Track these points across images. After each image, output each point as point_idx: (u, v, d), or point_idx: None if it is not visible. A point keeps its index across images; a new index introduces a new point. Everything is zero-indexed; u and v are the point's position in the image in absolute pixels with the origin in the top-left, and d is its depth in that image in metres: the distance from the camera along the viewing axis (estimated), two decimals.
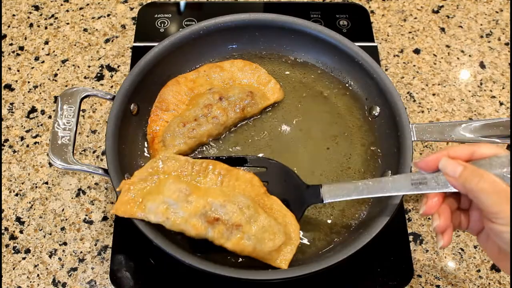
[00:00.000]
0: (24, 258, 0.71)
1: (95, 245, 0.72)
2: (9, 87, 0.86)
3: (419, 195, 0.76)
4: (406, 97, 0.87)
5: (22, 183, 0.77)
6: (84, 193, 0.76)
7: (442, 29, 0.96)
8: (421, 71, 0.90)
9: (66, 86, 0.86)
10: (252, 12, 0.78)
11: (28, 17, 0.95)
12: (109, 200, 0.75)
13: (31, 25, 0.94)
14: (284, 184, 0.65)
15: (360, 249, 0.58)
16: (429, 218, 0.75)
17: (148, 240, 0.58)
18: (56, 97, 0.85)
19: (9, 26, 0.94)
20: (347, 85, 0.79)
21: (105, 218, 0.74)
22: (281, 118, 0.77)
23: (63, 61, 0.89)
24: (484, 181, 0.47)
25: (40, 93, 0.85)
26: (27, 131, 0.81)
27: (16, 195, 0.76)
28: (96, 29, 0.94)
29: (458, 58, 0.92)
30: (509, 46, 0.94)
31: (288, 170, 0.66)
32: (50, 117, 0.83)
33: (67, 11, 0.96)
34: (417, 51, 0.93)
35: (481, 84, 0.89)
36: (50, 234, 0.72)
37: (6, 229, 0.73)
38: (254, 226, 0.58)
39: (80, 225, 0.73)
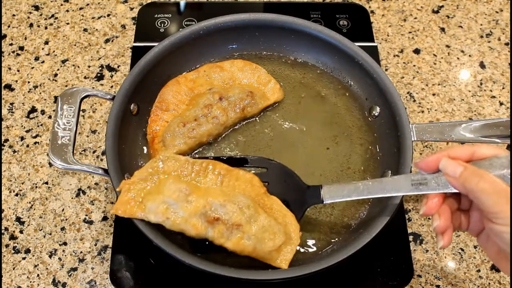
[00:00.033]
0: (24, 258, 0.71)
1: (95, 245, 0.72)
2: (9, 87, 0.86)
3: (419, 195, 0.76)
4: (406, 97, 0.87)
5: (22, 183, 0.77)
6: (84, 193, 0.76)
7: (442, 29, 0.96)
8: (421, 71, 0.90)
9: (66, 86, 0.86)
10: (252, 12, 0.78)
11: (28, 17, 0.95)
12: (109, 200, 0.75)
13: (31, 25, 0.94)
14: (285, 185, 0.65)
15: (360, 249, 0.58)
16: (429, 218, 0.75)
17: (148, 240, 0.58)
18: (56, 97, 0.85)
19: (9, 26, 0.94)
20: (347, 85, 0.79)
21: (105, 218, 0.74)
22: (281, 118, 0.77)
23: (63, 61, 0.89)
24: (484, 181, 0.47)
25: (40, 93, 0.85)
26: (27, 131, 0.81)
27: (16, 195, 0.76)
28: (96, 29, 0.94)
29: (458, 58, 0.92)
30: (509, 46, 0.94)
31: (288, 170, 0.66)
32: (50, 117, 0.83)
33: (67, 11, 0.96)
34: (417, 51, 0.93)
35: (481, 84, 0.89)
36: (50, 234, 0.72)
37: (6, 229, 0.73)
38: (254, 226, 0.58)
39: (80, 225, 0.73)
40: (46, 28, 0.94)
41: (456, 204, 0.54)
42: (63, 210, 0.74)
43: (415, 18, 0.98)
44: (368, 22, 0.95)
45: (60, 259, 0.71)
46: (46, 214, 0.74)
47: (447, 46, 0.94)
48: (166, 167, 0.62)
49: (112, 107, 0.68)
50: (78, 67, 0.89)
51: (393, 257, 0.70)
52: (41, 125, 0.82)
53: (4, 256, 0.71)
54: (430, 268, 0.71)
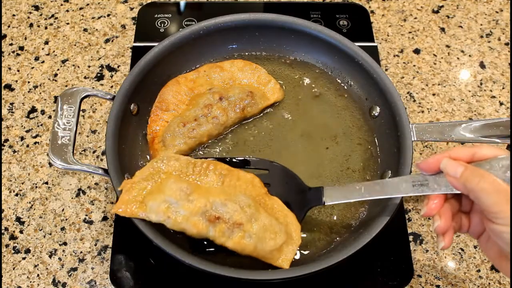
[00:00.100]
0: (24, 258, 0.71)
1: (95, 245, 0.72)
2: (9, 87, 0.86)
3: (420, 196, 0.76)
4: (406, 97, 0.87)
5: (22, 183, 0.77)
6: (84, 193, 0.76)
7: (442, 29, 0.96)
8: (421, 71, 0.90)
9: (66, 86, 0.86)
10: (252, 12, 0.78)
11: (28, 17, 0.95)
12: (109, 200, 0.75)
13: (31, 25, 0.94)
14: (286, 186, 0.65)
15: (360, 249, 0.58)
16: (429, 219, 0.75)
17: (148, 240, 0.58)
18: (56, 97, 0.85)
19: (9, 26, 0.94)
20: (347, 85, 0.79)
21: (105, 218, 0.74)
22: (281, 118, 0.77)
23: (63, 61, 0.89)
24: (485, 181, 0.47)
25: (40, 93, 0.85)
26: (27, 131, 0.81)
27: (16, 195, 0.76)
28: (96, 29, 0.94)
29: (458, 58, 0.92)
30: (509, 46, 0.94)
31: (290, 172, 0.66)
32: (50, 117, 0.83)
33: (67, 11, 0.96)
34: (417, 51, 0.93)
35: (481, 84, 0.89)
36: (50, 234, 0.72)
37: (6, 229, 0.73)
38: (255, 225, 0.58)
39: (80, 225, 0.73)
40: (46, 28, 0.94)
41: (457, 206, 0.54)
42: (63, 210, 0.74)
43: (415, 18, 0.98)
44: (368, 22, 0.95)
45: (60, 259, 0.71)
46: (46, 214, 0.74)
47: (447, 46, 0.94)
48: (167, 167, 0.62)
49: (112, 107, 0.68)
50: (78, 67, 0.89)
51: (393, 257, 0.70)
52: (41, 125, 0.82)
53: (4, 256, 0.71)
54: (430, 268, 0.71)
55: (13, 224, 0.73)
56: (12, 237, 0.72)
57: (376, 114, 0.75)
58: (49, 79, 0.87)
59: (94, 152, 0.80)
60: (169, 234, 0.61)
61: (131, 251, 0.70)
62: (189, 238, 0.60)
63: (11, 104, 0.84)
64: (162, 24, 0.93)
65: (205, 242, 0.60)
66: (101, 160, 0.79)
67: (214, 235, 0.58)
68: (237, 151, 0.73)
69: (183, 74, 0.78)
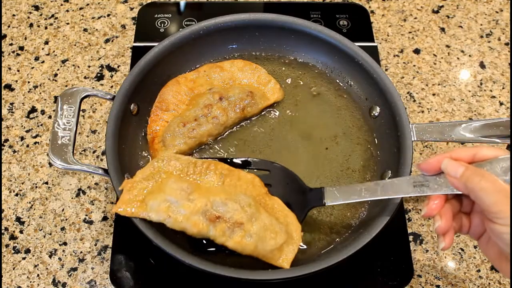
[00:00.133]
0: (24, 258, 0.71)
1: (95, 245, 0.72)
2: (9, 87, 0.86)
3: (420, 196, 0.76)
4: (406, 97, 0.87)
5: (22, 183, 0.77)
6: (84, 193, 0.76)
7: (442, 29, 0.96)
8: (421, 71, 0.90)
9: (66, 86, 0.86)
10: (252, 12, 0.78)
11: (28, 17, 0.95)
12: (109, 200, 0.75)
13: (31, 25, 0.94)
14: (287, 187, 0.65)
15: (360, 249, 0.58)
16: (429, 219, 0.75)
17: (148, 240, 0.58)
18: (56, 97, 0.85)
19: (9, 26, 0.94)
20: (347, 85, 0.79)
21: (105, 218, 0.74)
22: (281, 118, 0.77)
23: (63, 61, 0.89)
24: (486, 180, 0.47)
25: (40, 93, 0.85)
26: (27, 131, 0.81)
27: (16, 195, 0.76)
28: (96, 29, 0.94)
29: (458, 58, 0.92)
30: (509, 46, 0.94)
31: (291, 173, 0.66)
32: (50, 117, 0.83)
33: (67, 11, 0.96)
34: (417, 51, 0.93)
35: (481, 84, 0.89)
36: (50, 234, 0.72)
37: (6, 229, 0.73)
38: (256, 224, 0.58)
39: (80, 225, 0.73)
40: (46, 28, 0.94)
41: (458, 206, 0.55)
42: (63, 210, 0.74)
43: (415, 18, 0.98)
44: (368, 22, 0.95)
45: (60, 259, 0.71)
46: (46, 214, 0.74)
47: (447, 46, 0.94)
48: (168, 166, 0.62)
49: (112, 107, 0.68)
50: (78, 67, 0.89)
51: (393, 257, 0.70)
52: (41, 125, 0.82)
53: (4, 256, 0.71)
54: (430, 268, 0.71)
55: (13, 224, 0.73)
56: (12, 237, 0.72)
57: (376, 114, 0.75)
58: (49, 79, 0.87)
59: (94, 152, 0.80)
60: (169, 234, 0.61)
61: (131, 251, 0.70)
62: (189, 238, 0.60)
63: (11, 104, 0.84)
64: (162, 24, 0.93)
65: (204, 241, 0.60)
66: (101, 160, 0.79)
67: (215, 234, 0.58)
68: (237, 151, 0.73)
69: (183, 74, 0.78)
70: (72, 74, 0.88)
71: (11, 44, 0.91)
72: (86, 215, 0.74)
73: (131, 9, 0.97)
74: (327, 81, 0.80)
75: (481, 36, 0.95)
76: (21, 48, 0.91)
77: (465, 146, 0.82)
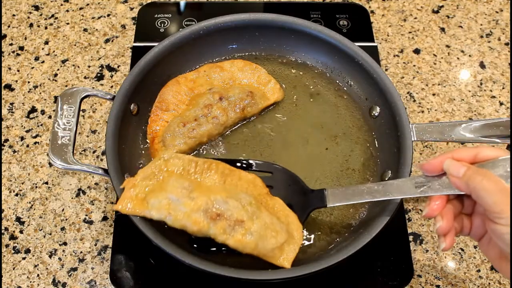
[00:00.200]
0: (24, 258, 0.71)
1: (95, 245, 0.72)
2: (9, 87, 0.86)
3: (419, 196, 0.76)
4: (406, 97, 0.87)
5: (22, 183, 0.77)
6: (84, 193, 0.76)
7: (442, 29, 0.96)
8: (421, 71, 0.90)
9: (66, 86, 0.86)
10: (252, 12, 0.78)
11: (28, 17, 0.95)
12: (109, 200, 0.75)
13: (31, 25, 0.94)
14: (289, 189, 0.65)
15: (360, 249, 0.58)
16: (428, 219, 0.75)
17: (148, 240, 0.58)
18: (56, 97, 0.85)
19: (9, 26, 0.94)
20: (347, 85, 0.79)
21: (105, 218, 0.74)
22: (281, 118, 0.77)
23: (63, 61, 0.89)
24: (488, 179, 0.47)
25: (40, 93, 0.85)
26: (27, 131, 0.81)
27: (16, 195, 0.76)
28: (96, 29, 0.94)
29: (458, 58, 0.92)
30: (509, 46, 0.94)
31: (292, 175, 0.66)
32: (50, 117, 0.83)
33: (67, 11, 0.96)
34: (417, 51, 0.93)
35: (481, 84, 0.89)
36: (50, 234, 0.72)
37: (6, 229, 0.73)
38: (257, 222, 0.58)
39: (80, 225, 0.73)
40: (46, 28, 0.94)
41: (459, 207, 0.55)
42: (63, 210, 0.74)
43: (415, 18, 0.98)
44: (368, 22, 0.95)
45: (60, 259, 0.71)
46: (46, 214, 0.74)
47: (447, 46, 0.94)
48: (170, 165, 0.62)
49: (112, 107, 0.68)
50: (78, 67, 0.89)
51: (393, 257, 0.70)
52: (41, 125, 0.82)
53: (4, 256, 0.71)
54: (430, 268, 0.71)
55: (13, 224, 0.73)
56: (12, 237, 0.72)
57: (376, 114, 0.75)
58: (49, 79, 0.87)
59: (94, 152, 0.80)
60: (169, 234, 0.61)
61: (131, 251, 0.70)
62: (189, 238, 0.60)
63: (11, 104, 0.84)
64: (162, 24, 0.93)
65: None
66: (101, 160, 0.79)
67: (215, 232, 0.58)
68: (237, 151, 0.73)
69: (183, 74, 0.78)
70: (72, 74, 0.88)
71: (11, 44, 0.91)
72: (86, 215, 0.74)
73: (131, 9, 0.97)
74: (327, 81, 0.80)
75: (481, 36, 0.95)
76: (21, 48, 0.91)
77: (465, 146, 0.82)
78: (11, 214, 0.74)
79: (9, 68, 0.88)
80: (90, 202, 0.75)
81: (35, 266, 0.70)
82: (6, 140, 0.80)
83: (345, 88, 0.79)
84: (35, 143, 0.80)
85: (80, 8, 0.96)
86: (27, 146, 0.80)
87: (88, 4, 0.97)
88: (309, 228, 0.67)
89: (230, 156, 0.73)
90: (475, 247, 0.73)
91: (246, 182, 0.63)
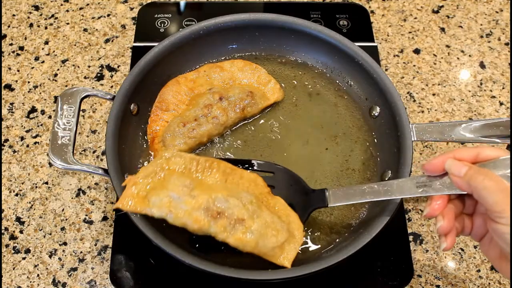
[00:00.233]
0: (24, 258, 0.71)
1: (95, 245, 0.72)
2: (9, 87, 0.86)
3: (419, 196, 0.76)
4: (406, 97, 0.87)
5: (22, 183, 0.77)
6: (84, 193, 0.76)
7: (442, 29, 0.96)
8: (421, 71, 0.90)
9: (66, 86, 0.86)
10: (252, 12, 0.78)
11: (28, 17, 0.95)
12: (109, 200, 0.75)
13: (31, 25, 0.94)
14: (290, 189, 0.65)
15: (360, 249, 0.58)
16: (429, 219, 0.75)
17: (148, 240, 0.58)
18: (56, 97, 0.85)
19: (9, 26, 0.94)
20: (347, 85, 0.79)
21: (105, 218, 0.74)
22: (281, 118, 0.77)
23: (63, 61, 0.89)
24: (489, 179, 0.47)
25: (40, 93, 0.85)
26: (27, 131, 0.81)
27: (16, 195, 0.76)
28: (96, 29, 0.94)
29: (458, 58, 0.92)
30: (509, 46, 0.94)
31: (294, 175, 0.66)
32: (50, 117, 0.83)
33: (67, 11, 0.96)
34: (417, 51, 0.93)
35: (481, 84, 0.89)
36: (50, 234, 0.72)
37: (6, 229, 0.73)
38: (257, 221, 0.58)
39: (80, 225, 0.73)
40: (46, 28, 0.94)
41: (461, 207, 0.55)
42: (63, 210, 0.74)
43: (415, 18, 0.98)
44: (368, 22, 0.95)
45: (60, 259, 0.71)
46: (46, 214, 0.74)
47: (447, 46, 0.94)
48: (171, 164, 0.62)
49: (112, 107, 0.68)
50: (78, 67, 0.89)
51: (393, 257, 0.70)
52: (41, 125, 0.82)
53: (4, 256, 0.71)
54: (430, 268, 0.71)
55: (13, 224, 0.73)
56: (12, 237, 0.72)
57: (376, 114, 0.75)
58: (49, 79, 0.87)
59: (94, 152, 0.80)
60: (169, 234, 0.61)
61: (131, 251, 0.70)
62: (189, 238, 0.60)
63: (11, 104, 0.84)
64: (162, 24, 0.93)
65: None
66: (101, 160, 0.79)
67: (216, 230, 0.58)
68: (238, 151, 0.73)
69: (183, 74, 0.78)
70: (72, 74, 0.88)
71: (11, 44, 0.91)
72: (86, 215, 0.74)
73: (131, 9, 0.97)
74: (327, 81, 0.80)
75: (481, 36, 0.95)
76: (21, 48, 0.91)
77: (465, 146, 0.82)
78: (11, 214, 0.74)
79: (9, 68, 0.88)
80: (90, 202, 0.75)
81: (35, 266, 0.70)
82: (6, 140, 0.80)
83: (345, 88, 0.79)
84: (35, 143, 0.80)
85: (80, 8, 0.96)
86: (27, 146, 0.80)
87: (88, 4, 0.97)
88: (309, 228, 0.67)
89: (230, 156, 0.73)
90: (475, 247, 0.73)
91: (247, 181, 0.63)
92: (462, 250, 0.73)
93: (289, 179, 0.66)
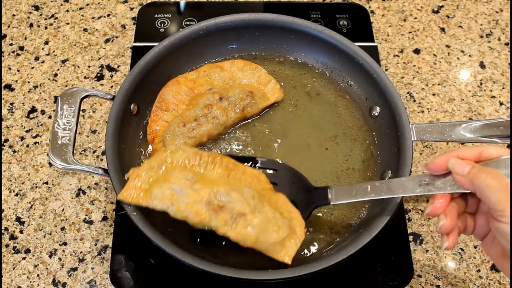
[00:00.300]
0: (24, 258, 0.71)
1: (95, 245, 0.72)
2: (9, 87, 0.86)
3: (421, 196, 0.76)
4: (406, 97, 0.87)
5: (22, 183, 0.77)
6: (84, 193, 0.76)
7: (442, 29, 0.96)
8: (421, 71, 0.90)
9: (66, 86, 0.86)
10: (252, 12, 0.78)
11: (28, 17, 0.95)
12: (109, 200, 0.75)
13: (31, 25, 0.94)
14: (293, 186, 0.65)
15: (360, 249, 0.58)
16: (429, 218, 0.75)
17: (148, 240, 0.58)
18: (56, 97, 0.85)
19: (9, 26, 0.94)
20: (347, 85, 0.79)
21: (105, 218, 0.74)
22: (281, 118, 0.77)
23: (63, 61, 0.89)
24: (492, 177, 0.47)
25: (40, 93, 0.85)
26: (27, 131, 0.81)
27: (16, 195, 0.76)
28: (96, 29, 0.94)
29: (458, 58, 0.92)
30: (509, 46, 0.94)
31: (297, 172, 0.66)
32: (50, 117, 0.83)
33: (67, 11, 0.96)
34: (417, 51, 0.93)
35: (481, 84, 0.89)
36: (50, 234, 0.72)
37: (6, 229, 0.73)
38: (259, 216, 0.58)
39: (80, 225, 0.73)
40: (46, 28, 0.94)
41: (463, 206, 0.55)
42: (63, 210, 0.74)
43: (415, 18, 0.98)
44: (368, 22, 0.95)
45: (60, 259, 0.71)
46: (46, 214, 0.74)
47: (447, 46, 0.94)
48: (174, 158, 0.62)
49: (112, 107, 0.68)
50: (78, 67, 0.89)
51: (393, 257, 0.70)
52: (41, 125, 0.82)
53: (4, 256, 0.71)
54: (430, 268, 0.71)
55: (13, 224, 0.73)
56: (12, 237, 0.72)
57: (376, 114, 0.75)
58: (49, 79, 0.87)
59: (94, 152, 0.80)
60: (169, 234, 0.61)
61: (131, 251, 0.70)
62: (189, 238, 0.60)
63: (11, 104, 0.84)
64: (162, 24, 0.93)
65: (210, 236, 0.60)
66: (101, 160, 0.79)
67: (217, 224, 0.57)
68: (237, 151, 0.73)
69: (183, 74, 0.78)
70: (72, 74, 0.88)
71: (11, 44, 0.91)
72: (86, 215, 0.74)
73: (131, 9, 0.97)
74: (327, 81, 0.80)
75: (481, 36, 0.95)
76: (21, 48, 0.91)
77: (465, 146, 0.82)
78: (11, 214, 0.74)
79: (9, 68, 0.88)
80: (90, 202, 0.75)
81: (35, 266, 0.70)
82: (6, 140, 0.80)
83: (345, 88, 0.79)
84: (35, 143, 0.80)
85: (80, 8, 0.96)
86: (27, 146, 0.80)
87: (88, 4, 0.97)
88: (310, 228, 0.67)
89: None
90: (475, 247, 0.73)
91: (250, 176, 0.63)
92: (462, 250, 0.73)
93: (291, 176, 0.66)
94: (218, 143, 0.74)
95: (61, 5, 0.97)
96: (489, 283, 0.70)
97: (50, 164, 0.78)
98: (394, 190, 0.57)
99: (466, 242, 0.74)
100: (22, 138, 0.81)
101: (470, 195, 0.54)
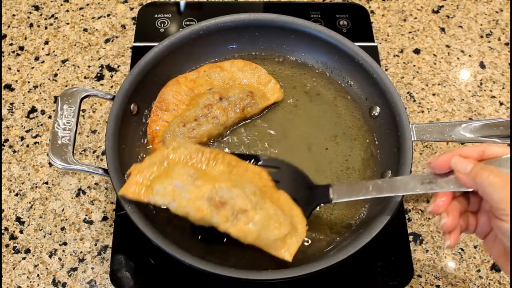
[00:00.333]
0: (24, 258, 0.71)
1: (95, 245, 0.72)
2: (9, 87, 0.86)
3: (420, 195, 0.76)
4: (406, 97, 0.87)
5: (22, 183, 0.77)
6: (84, 193, 0.76)
7: (442, 29, 0.96)
8: (421, 71, 0.90)
9: (66, 86, 0.86)
10: (252, 12, 0.78)
11: (28, 17, 0.95)
12: (109, 200, 0.75)
13: (31, 25, 0.94)
14: (294, 184, 0.65)
15: (360, 249, 0.58)
16: (429, 218, 0.75)
17: (148, 240, 0.58)
18: (56, 97, 0.85)
19: (9, 26, 0.94)
20: (347, 85, 0.79)
21: (105, 218, 0.74)
22: (280, 118, 0.77)
23: (63, 61, 0.89)
24: (494, 175, 0.47)
25: (40, 93, 0.85)
26: (27, 131, 0.81)
27: (16, 195, 0.76)
28: (96, 29, 0.94)
29: (458, 58, 0.92)
30: (509, 46, 0.94)
31: (299, 171, 0.66)
32: (50, 117, 0.83)
33: (67, 11, 0.96)
34: (417, 51, 0.93)
35: (481, 84, 0.89)
36: (50, 234, 0.72)
37: (6, 229, 0.73)
38: (260, 212, 0.58)
39: (80, 225, 0.73)
40: (46, 28, 0.94)
41: (465, 204, 0.55)
42: (63, 210, 0.74)
43: (415, 18, 0.98)
44: (368, 22, 0.95)
45: (60, 259, 0.71)
46: (46, 214, 0.74)
47: (447, 46, 0.94)
48: (176, 154, 0.62)
49: (112, 107, 0.68)
50: (78, 67, 0.89)
51: (393, 257, 0.70)
52: (41, 125, 0.82)
53: (4, 256, 0.71)
54: (430, 268, 0.71)
55: (13, 224, 0.73)
56: (12, 237, 0.72)
57: (376, 114, 0.75)
58: (49, 79, 0.87)
59: (94, 152, 0.80)
60: (169, 234, 0.61)
61: (131, 251, 0.70)
62: (190, 238, 0.60)
63: (11, 104, 0.84)
64: (162, 24, 0.93)
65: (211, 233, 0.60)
66: (101, 160, 0.79)
67: (218, 220, 0.57)
68: (237, 151, 0.73)
69: (183, 74, 0.78)
70: (72, 74, 0.88)
71: (11, 44, 0.91)
72: (86, 215, 0.74)
73: (131, 9, 0.97)
74: (327, 81, 0.80)
75: (481, 36, 0.95)
76: (21, 48, 0.91)
77: (465, 146, 0.82)
78: (11, 214, 0.74)
79: (9, 68, 0.88)
80: (90, 202, 0.75)
81: (35, 266, 0.70)
82: (6, 140, 0.80)
83: (345, 88, 0.79)
84: (35, 143, 0.80)
85: (80, 8, 0.96)
86: (27, 146, 0.80)
87: (88, 4, 0.97)
88: (309, 228, 0.67)
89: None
90: (475, 247, 0.73)
91: (252, 173, 0.63)
92: (462, 250, 0.73)
93: (293, 174, 0.66)
94: (218, 143, 0.74)
95: (61, 5, 0.97)
96: (489, 283, 0.70)
97: (50, 164, 0.78)
98: (396, 188, 0.57)
99: (466, 242, 0.74)
100: (22, 138, 0.81)
101: (472, 194, 0.54)
